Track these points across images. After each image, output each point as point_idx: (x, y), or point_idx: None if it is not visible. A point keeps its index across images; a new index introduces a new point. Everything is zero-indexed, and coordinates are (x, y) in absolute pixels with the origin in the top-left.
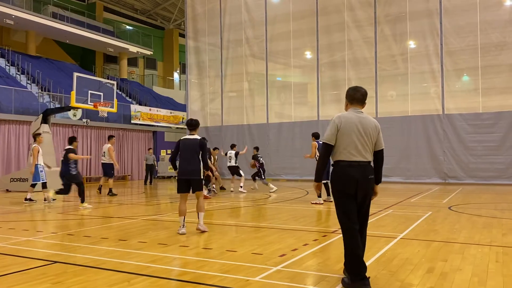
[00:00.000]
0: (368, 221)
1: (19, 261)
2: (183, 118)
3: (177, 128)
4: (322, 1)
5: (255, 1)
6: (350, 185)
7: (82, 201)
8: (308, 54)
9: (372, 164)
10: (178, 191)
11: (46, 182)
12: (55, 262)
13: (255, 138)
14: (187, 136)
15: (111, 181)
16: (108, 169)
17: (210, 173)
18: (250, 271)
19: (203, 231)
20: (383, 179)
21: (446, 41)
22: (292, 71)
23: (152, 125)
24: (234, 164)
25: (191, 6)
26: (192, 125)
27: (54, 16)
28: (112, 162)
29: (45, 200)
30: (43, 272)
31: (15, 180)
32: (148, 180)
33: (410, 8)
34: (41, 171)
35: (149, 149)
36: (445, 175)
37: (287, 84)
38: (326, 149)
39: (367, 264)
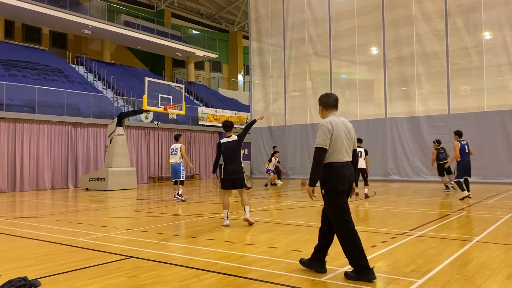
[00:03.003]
0: (440, 223)
1: (97, 255)
2: (247, 119)
3: (241, 128)
4: None
5: None
6: (345, 184)
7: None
8: (374, 50)
9: None
10: (222, 187)
11: (184, 180)
12: (130, 257)
13: None
14: (226, 139)
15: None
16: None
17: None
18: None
19: (250, 223)
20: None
21: None
22: (358, 68)
23: (218, 126)
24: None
25: (255, 8)
26: (228, 126)
27: (126, 24)
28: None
29: (177, 194)
30: (119, 266)
31: (93, 179)
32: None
33: None
34: (183, 170)
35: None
36: None
37: (352, 81)
38: (322, 154)
39: (440, 267)
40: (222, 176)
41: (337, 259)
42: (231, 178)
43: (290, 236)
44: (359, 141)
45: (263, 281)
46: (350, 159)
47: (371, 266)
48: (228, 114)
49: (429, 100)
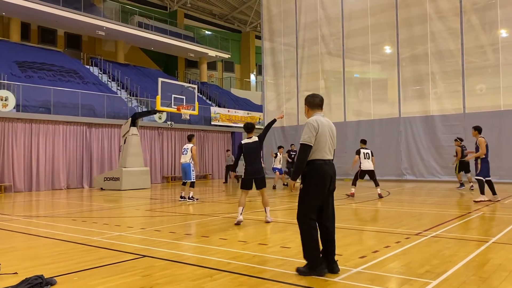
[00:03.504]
0: (455, 223)
1: (112, 254)
2: (259, 119)
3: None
4: None
5: None
6: (326, 181)
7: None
8: (388, 49)
9: None
10: (242, 187)
11: (194, 182)
12: (144, 256)
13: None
14: (247, 140)
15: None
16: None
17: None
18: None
19: (267, 222)
20: (473, 178)
21: None
22: (371, 67)
23: (231, 126)
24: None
25: (267, 7)
26: (249, 128)
27: (140, 25)
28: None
29: (189, 198)
30: (133, 265)
31: (108, 179)
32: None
33: None
34: (193, 171)
35: (227, 150)
36: None
37: (366, 80)
38: (307, 150)
39: (455, 268)
40: (243, 176)
41: (351, 259)
42: (252, 178)
43: None
44: (363, 142)
45: (276, 281)
46: (332, 158)
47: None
48: (240, 114)
49: (444, 99)
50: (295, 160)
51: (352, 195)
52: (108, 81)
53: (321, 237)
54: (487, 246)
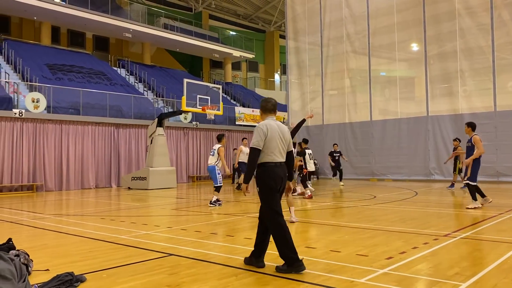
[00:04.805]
0: (485, 225)
1: (139, 252)
2: (284, 118)
3: None
4: None
5: None
6: (277, 182)
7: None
8: (415, 46)
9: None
10: None
11: (220, 186)
12: (170, 254)
13: (358, 136)
14: None
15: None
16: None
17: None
18: (355, 272)
19: (291, 222)
20: (503, 178)
21: None
22: (397, 65)
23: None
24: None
25: (291, 7)
26: None
27: (166, 27)
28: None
29: (211, 202)
30: (159, 264)
31: (135, 178)
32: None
33: None
34: (218, 173)
35: (234, 149)
36: None
37: (392, 79)
38: (256, 154)
39: (486, 270)
40: None
41: (377, 260)
42: None
43: (329, 237)
44: (306, 141)
45: (301, 281)
46: (284, 160)
47: (301, 258)
48: None
49: (474, 97)
50: (339, 161)
51: (311, 197)
52: (135, 82)
53: (262, 232)
54: None
